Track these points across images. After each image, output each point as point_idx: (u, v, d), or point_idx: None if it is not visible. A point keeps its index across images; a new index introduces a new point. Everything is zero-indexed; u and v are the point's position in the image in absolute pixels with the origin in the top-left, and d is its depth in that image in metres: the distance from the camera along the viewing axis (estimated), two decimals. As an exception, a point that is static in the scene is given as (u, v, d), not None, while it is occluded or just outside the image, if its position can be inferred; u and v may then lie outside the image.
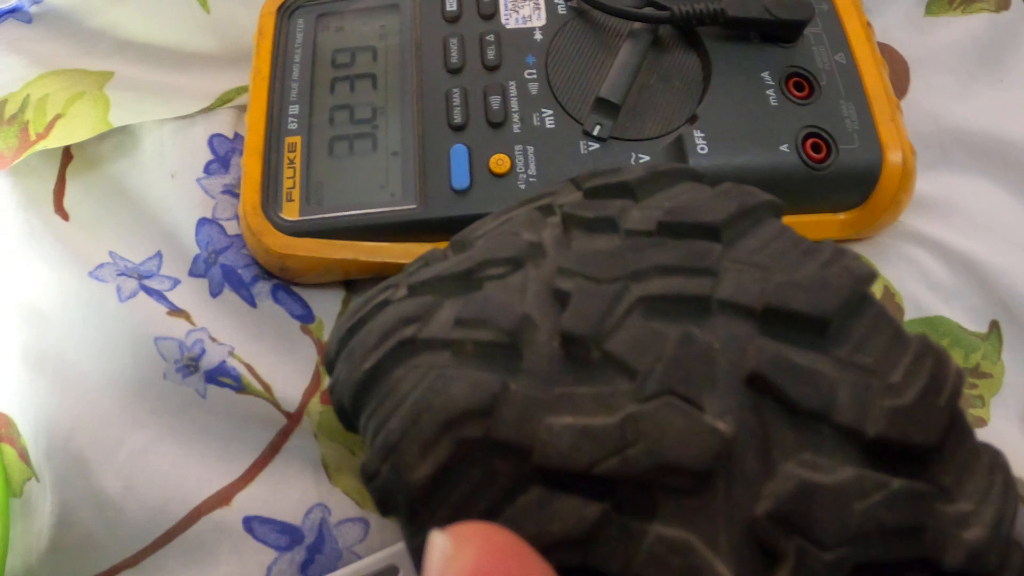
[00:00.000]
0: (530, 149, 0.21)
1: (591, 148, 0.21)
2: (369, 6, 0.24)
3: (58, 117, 0.24)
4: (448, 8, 0.23)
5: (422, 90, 0.22)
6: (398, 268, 0.21)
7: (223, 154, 0.24)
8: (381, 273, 0.22)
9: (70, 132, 0.23)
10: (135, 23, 0.25)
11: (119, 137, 0.25)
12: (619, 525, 0.11)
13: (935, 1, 0.27)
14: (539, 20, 0.23)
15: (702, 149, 0.21)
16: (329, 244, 0.21)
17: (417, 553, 0.11)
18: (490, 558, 0.10)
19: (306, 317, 0.22)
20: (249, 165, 0.22)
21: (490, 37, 0.23)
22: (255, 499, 0.21)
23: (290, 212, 0.21)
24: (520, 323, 0.12)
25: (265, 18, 0.24)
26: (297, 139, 0.22)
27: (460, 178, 0.21)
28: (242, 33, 0.25)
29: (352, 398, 0.13)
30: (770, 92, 0.22)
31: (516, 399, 0.11)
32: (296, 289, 0.22)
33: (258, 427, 0.22)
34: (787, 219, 0.21)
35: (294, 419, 0.21)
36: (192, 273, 0.23)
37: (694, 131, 0.21)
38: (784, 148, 0.21)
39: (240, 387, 0.21)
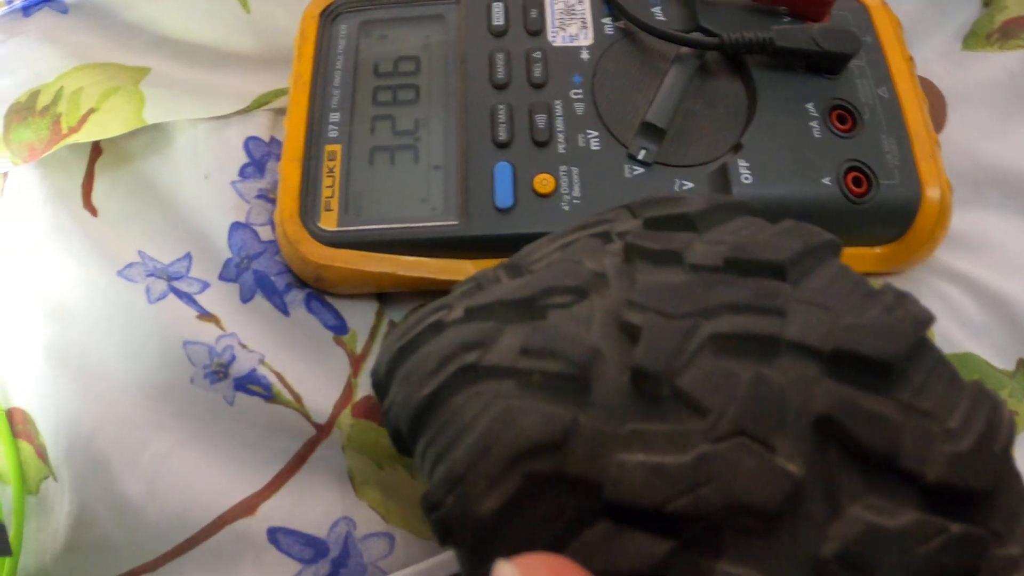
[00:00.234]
0: (575, 170, 0.21)
1: (635, 172, 0.22)
2: (414, 15, 0.24)
3: (91, 111, 0.24)
4: (495, 22, 0.24)
5: (466, 104, 0.23)
6: (435, 283, 0.22)
7: (258, 157, 0.24)
8: (417, 287, 0.22)
9: (103, 127, 0.24)
10: (173, 19, 0.25)
11: (150, 134, 0.25)
12: (686, 562, 0.11)
13: (972, 35, 0.28)
14: (586, 39, 0.24)
15: (746, 179, 0.21)
16: (368, 257, 0.21)
17: None
18: None
19: (339, 328, 0.22)
20: (287, 172, 0.22)
21: (536, 54, 0.23)
22: (280, 510, 0.21)
23: (328, 222, 0.22)
24: (590, 356, 0.12)
25: (308, 21, 0.24)
26: (337, 147, 0.23)
27: (504, 196, 0.21)
28: (281, 35, 0.25)
29: (410, 423, 0.13)
30: (814, 124, 0.22)
31: (586, 433, 0.12)
32: (329, 299, 0.23)
33: (284, 437, 0.22)
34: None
35: (323, 431, 0.22)
36: (222, 277, 0.23)
37: (739, 160, 0.22)
38: (826, 181, 0.22)
39: (270, 396, 0.22)
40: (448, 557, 0.21)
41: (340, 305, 0.23)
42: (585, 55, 0.23)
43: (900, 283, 0.25)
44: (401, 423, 0.14)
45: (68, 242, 0.23)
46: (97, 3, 0.25)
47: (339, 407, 0.22)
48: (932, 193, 0.22)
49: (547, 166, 0.22)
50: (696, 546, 0.11)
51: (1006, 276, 0.24)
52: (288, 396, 0.22)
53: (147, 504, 0.21)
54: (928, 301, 0.24)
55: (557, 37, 0.23)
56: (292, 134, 0.23)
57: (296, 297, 0.23)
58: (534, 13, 0.24)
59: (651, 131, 0.22)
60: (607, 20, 0.24)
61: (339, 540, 0.21)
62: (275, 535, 0.21)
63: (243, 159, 0.24)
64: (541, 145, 0.22)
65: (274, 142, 0.25)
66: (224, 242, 0.23)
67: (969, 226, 0.25)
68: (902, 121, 0.23)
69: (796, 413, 0.12)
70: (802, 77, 0.23)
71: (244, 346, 0.22)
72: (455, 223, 0.21)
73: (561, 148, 0.22)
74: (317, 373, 0.22)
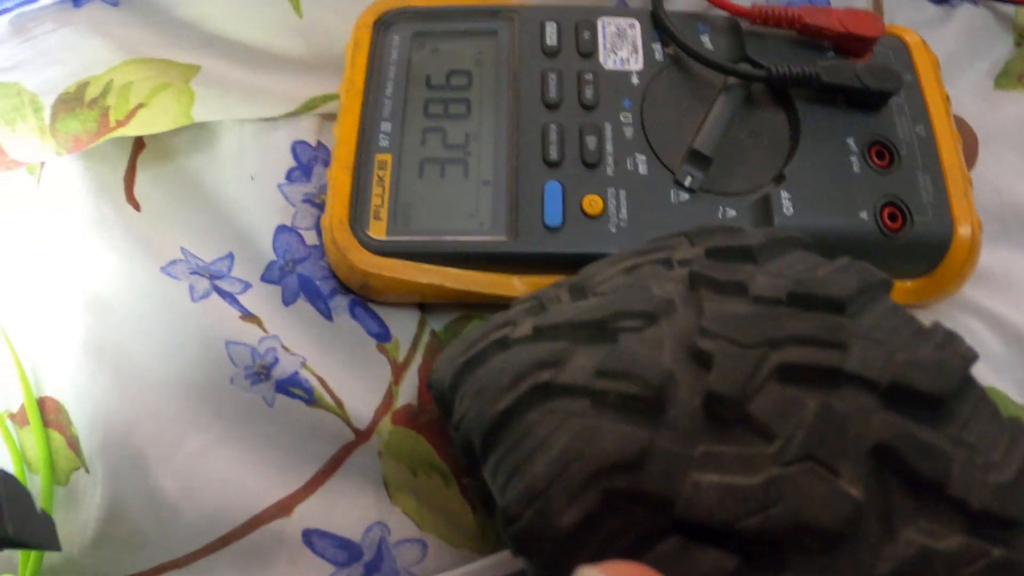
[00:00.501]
0: (622, 193, 0.23)
1: (681, 198, 0.23)
2: (467, 30, 0.25)
3: (140, 106, 0.24)
4: (548, 41, 0.25)
5: (518, 121, 0.24)
6: (480, 296, 0.23)
7: (305, 162, 0.25)
8: (460, 300, 0.23)
9: (151, 123, 0.24)
10: (225, 18, 0.26)
11: (193, 131, 0.26)
12: None
13: (1004, 75, 0.30)
14: (636, 64, 0.25)
15: (788, 210, 0.23)
16: (416, 267, 0.22)
17: None
18: None
19: (383, 336, 0.23)
20: (338, 178, 0.23)
21: (588, 76, 0.24)
22: (316, 512, 0.22)
23: (377, 231, 0.23)
24: (666, 379, 0.13)
25: (361, 30, 0.25)
26: (388, 156, 0.23)
27: (553, 215, 0.22)
28: (332, 41, 0.26)
29: (483, 437, 0.14)
30: (853, 158, 0.24)
31: (661, 453, 0.13)
32: (372, 306, 0.24)
33: (321, 441, 0.23)
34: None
35: (362, 436, 0.23)
36: (265, 279, 0.24)
37: (781, 191, 0.23)
38: (863, 215, 0.23)
39: (311, 400, 0.23)
40: (479, 567, 0.22)
41: (383, 313, 0.24)
42: (635, 79, 0.24)
43: (925, 317, 0.26)
44: (474, 436, 0.15)
45: (111, 235, 0.24)
46: (149, -1, 0.26)
47: (380, 414, 0.23)
48: (964, 231, 0.24)
49: (596, 187, 0.23)
50: (760, 562, 0.12)
51: (1030, 314, 0.26)
52: (329, 401, 0.23)
53: (182, 501, 0.22)
54: (953, 335, 0.26)
55: (608, 60, 0.25)
56: (344, 141, 0.23)
57: (340, 303, 0.24)
58: (586, 35, 0.25)
59: (698, 159, 0.23)
60: (657, 46, 0.25)
61: (373, 544, 0.22)
62: (310, 537, 0.22)
63: (290, 162, 0.25)
64: (590, 166, 0.23)
65: (321, 147, 0.26)
66: (268, 244, 0.24)
67: (995, 263, 0.26)
68: (937, 159, 0.24)
69: (856, 440, 0.13)
70: (843, 112, 0.24)
71: (286, 349, 0.23)
72: (503, 239, 0.22)
73: (610, 170, 0.23)
74: (359, 379, 0.23)
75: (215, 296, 0.23)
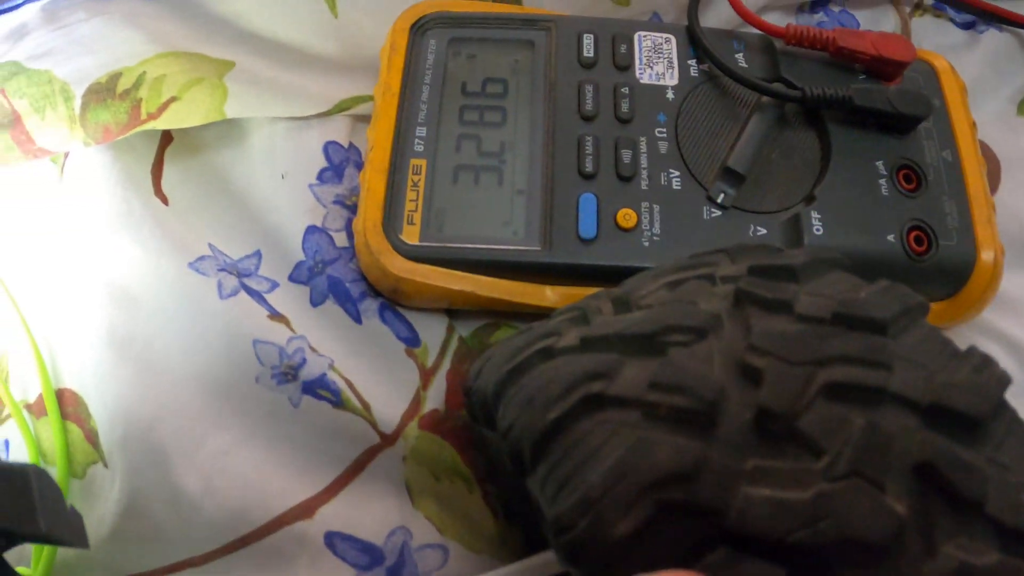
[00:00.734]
0: (656, 208, 0.23)
1: (713, 214, 0.24)
2: (503, 38, 0.26)
3: (173, 100, 0.25)
4: (585, 53, 0.25)
5: (554, 132, 0.24)
6: (511, 305, 0.23)
7: (337, 163, 0.26)
8: (491, 307, 0.23)
9: (183, 116, 0.25)
10: (260, 16, 0.26)
11: (223, 127, 0.26)
12: None
13: (1027, 101, 0.31)
14: (671, 79, 0.25)
15: (817, 230, 0.24)
16: (448, 274, 0.23)
17: None
18: None
19: (412, 340, 0.24)
20: (373, 182, 0.24)
21: (624, 89, 0.25)
22: (338, 515, 0.22)
23: (410, 236, 0.23)
24: (718, 394, 0.14)
25: (398, 33, 0.26)
26: (422, 162, 0.24)
27: (587, 227, 0.23)
28: (366, 42, 0.27)
29: (533, 445, 0.15)
30: (882, 181, 0.25)
31: (714, 466, 0.13)
32: (402, 311, 0.24)
33: (345, 443, 0.23)
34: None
35: (388, 440, 0.23)
36: (293, 278, 0.25)
37: (811, 212, 0.24)
38: (890, 238, 0.24)
39: (338, 402, 0.23)
40: (500, 575, 0.23)
41: (412, 317, 0.24)
42: (670, 95, 0.25)
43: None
44: (524, 445, 0.15)
45: (138, 229, 0.24)
46: (184, -8, 0.26)
47: (407, 418, 0.23)
48: (986, 256, 0.25)
49: (630, 201, 0.23)
50: (806, 574, 0.13)
51: (1046, 339, 0.27)
52: (357, 403, 0.23)
53: (203, 499, 0.22)
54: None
55: (644, 74, 0.25)
56: (379, 145, 0.24)
57: (370, 306, 0.24)
58: (623, 48, 0.26)
59: (732, 176, 0.24)
60: (692, 62, 0.26)
61: (395, 549, 0.23)
62: (332, 539, 0.23)
63: (322, 163, 0.25)
64: (625, 180, 0.24)
65: (352, 148, 0.26)
66: (298, 244, 0.25)
67: (1015, 288, 0.27)
68: (963, 184, 0.25)
69: (899, 458, 0.14)
70: (873, 135, 0.25)
71: (314, 350, 0.23)
72: (537, 248, 0.23)
73: (644, 184, 0.24)
74: (386, 383, 0.23)
75: (243, 294, 0.24)
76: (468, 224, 0.23)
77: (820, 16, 0.31)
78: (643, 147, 0.24)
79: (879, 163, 0.25)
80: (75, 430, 0.24)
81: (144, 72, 0.25)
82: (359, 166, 0.26)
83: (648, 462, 0.14)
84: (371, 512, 0.23)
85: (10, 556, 0.18)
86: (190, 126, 0.25)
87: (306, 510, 0.23)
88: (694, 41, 0.26)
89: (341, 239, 0.25)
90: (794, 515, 0.13)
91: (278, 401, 0.23)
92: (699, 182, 0.24)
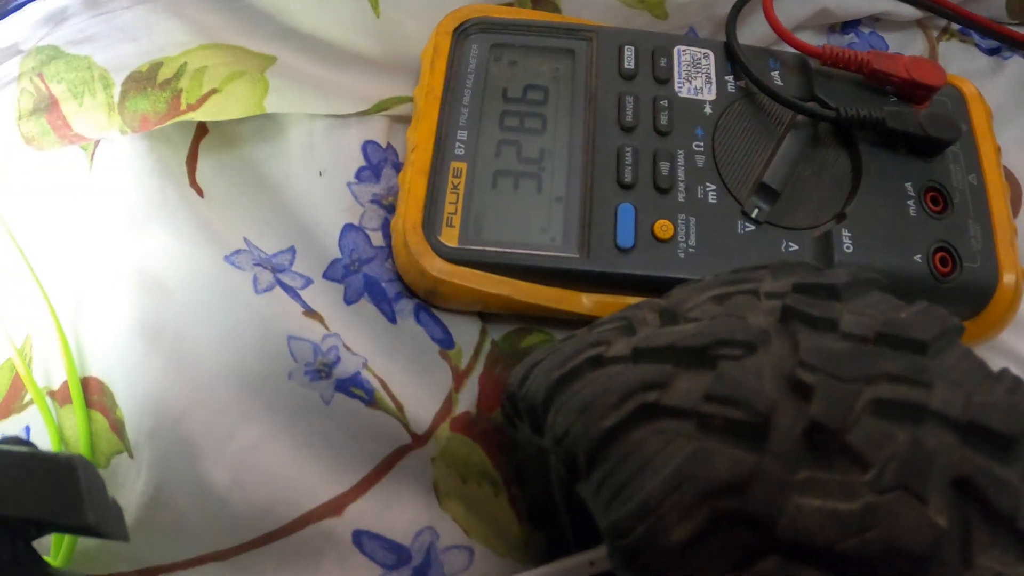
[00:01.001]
0: (692, 220, 0.24)
1: (747, 229, 0.24)
2: (545, 46, 0.26)
3: (213, 92, 0.25)
4: (625, 65, 0.26)
5: (593, 141, 0.25)
6: (545, 311, 0.24)
7: (375, 162, 0.26)
8: (525, 312, 0.24)
9: (222, 109, 0.25)
10: (303, 12, 0.26)
11: (260, 121, 0.27)
12: None
13: (1048, 127, 0.32)
14: (709, 94, 0.26)
15: (847, 248, 0.24)
16: (486, 277, 0.23)
17: None
18: None
19: (446, 342, 0.24)
20: (414, 183, 0.24)
21: (663, 102, 0.26)
22: (367, 513, 0.23)
23: (449, 238, 0.24)
24: (771, 408, 0.15)
25: (441, 37, 0.26)
26: (463, 165, 0.25)
27: (625, 237, 0.24)
28: (408, 44, 0.27)
29: (589, 452, 0.16)
30: (910, 203, 0.26)
31: (766, 477, 0.14)
32: (436, 312, 0.25)
33: (375, 442, 0.23)
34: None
35: (419, 441, 0.24)
36: (327, 276, 0.25)
37: (842, 229, 0.25)
38: (917, 258, 0.25)
39: (371, 401, 0.24)
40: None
41: (447, 319, 0.25)
42: (708, 109, 0.26)
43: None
44: (579, 452, 0.16)
45: (174, 218, 0.24)
46: (226, -16, 0.27)
47: (439, 419, 0.24)
48: (1008, 279, 0.26)
49: (667, 213, 0.24)
50: None
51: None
52: (390, 403, 0.24)
53: (231, 493, 0.22)
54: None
55: (683, 88, 0.26)
56: (421, 146, 0.25)
57: (406, 306, 0.25)
58: (663, 62, 0.26)
59: (766, 192, 0.25)
60: (729, 78, 0.27)
61: (422, 549, 0.23)
62: (360, 538, 0.23)
63: (360, 162, 0.26)
64: (663, 191, 0.24)
65: (390, 148, 0.27)
66: (334, 241, 0.25)
67: (1032, 312, 0.29)
68: (987, 208, 0.26)
69: (940, 472, 0.15)
70: (903, 157, 0.26)
71: (348, 348, 0.24)
72: (575, 256, 0.24)
73: (681, 197, 0.24)
74: (419, 384, 0.24)
75: (279, 290, 0.24)
76: (506, 229, 0.24)
77: (851, 37, 0.32)
78: (681, 160, 0.25)
79: (908, 184, 0.26)
80: (100, 419, 0.24)
81: (185, 63, 0.25)
82: (396, 166, 0.26)
83: (705, 471, 0.14)
84: (399, 512, 0.23)
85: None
86: (232, 118, 0.25)
87: (335, 507, 0.23)
88: (732, 58, 0.27)
89: (377, 238, 0.25)
90: (843, 525, 0.14)
91: (310, 397, 0.23)
92: (734, 196, 0.25)
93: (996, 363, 0.28)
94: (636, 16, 0.29)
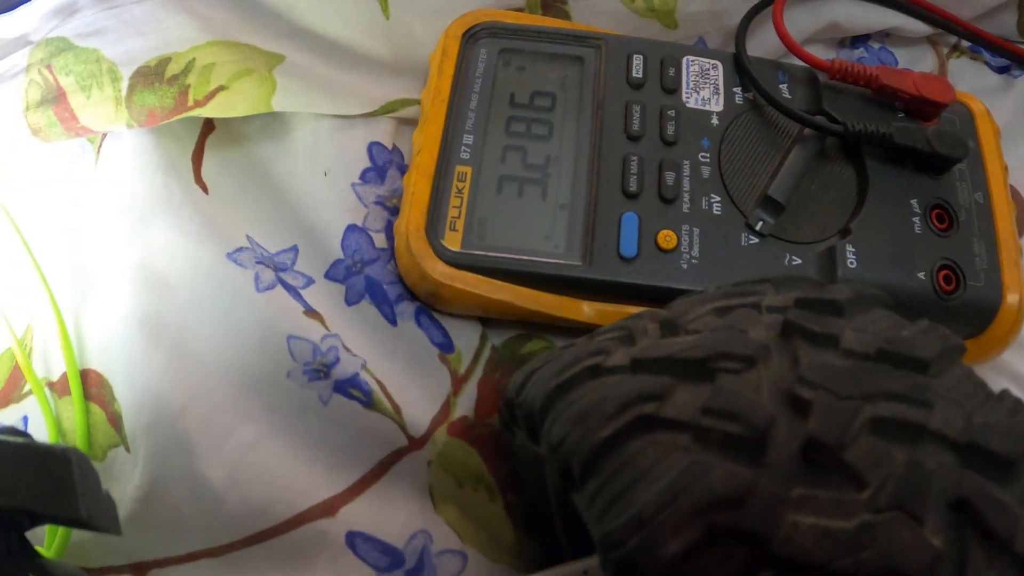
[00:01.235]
0: (695, 231, 0.24)
1: (751, 241, 0.24)
2: (553, 52, 0.27)
3: (221, 89, 0.25)
4: (633, 74, 0.26)
5: (599, 149, 0.25)
6: (546, 318, 0.24)
7: (381, 164, 0.26)
8: (526, 318, 0.24)
9: (229, 106, 0.25)
10: (312, 11, 0.27)
11: (266, 119, 0.27)
12: None
13: (1055, 146, 0.32)
14: (717, 106, 0.26)
15: (851, 263, 0.25)
16: (488, 282, 0.24)
17: None
18: None
19: (446, 346, 0.25)
20: (418, 185, 0.24)
21: (671, 112, 0.26)
22: (361, 515, 0.23)
23: (452, 242, 0.24)
24: (769, 422, 0.15)
25: (450, 40, 0.26)
26: (468, 169, 0.25)
27: (628, 246, 0.24)
28: (416, 46, 0.27)
29: (584, 462, 0.16)
30: (915, 220, 0.26)
31: (762, 493, 0.14)
32: (436, 316, 0.25)
33: (372, 444, 0.24)
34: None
35: (416, 444, 0.24)
36: (329, 276, 0.25)
37: (846, 245, 0.25)
38: (921, 275, 0.25)
39: (369, 403, 0.24)
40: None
41: (447, 323, 0.25)
42: (715, 120, 0.26)
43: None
44: (574, 461, 0.16)
45: (178, 215, 0.25)
46: (236, -19, 0.27)
47: (436, 423, 0.24)
48: (1012, 299, 0.26)
49: (671, 223, 0.24)
50: None
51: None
52: (388, 405, 0.24)
53: (226, 490, 0.22)
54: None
55: (691, 99, 0.26)
56: (425, 149, 0.25)
57: (407, 309, 0.25)
58: (671, 71, 0.27)
59: (771, 205, 0.25)
60: (737, 90, 0.27)
61: (416, 552, 0.23)
62: (353, 539, 0.23)
63: (365, 163, 0.26)
64: (667, 202, 0.25)
65: (396, 150, 0.27)
66: (337, 242, 0.25)
67: (1035, 333, 0.29)
68: (993, 227, 0.26)
69: (937, 493, 0.15)
70: (909, 173, 0.26)
71: (347, 349, 0.24)
72: (578, 263, 0.24)
73: (685, 207, 0.25)
74: (418, 387, 0.24)
75: (280, 288, 0.24)
76: (510, 234, 0.24)
77: (860, 52, 0.32)
78: (686, 170, 0.25)
79: (913, 201, 0.26)
80: (97, 412, 0.24)
81: (194, 59, 0.26)
82: (402, 168, 0.27)
83: (701, 485, 0.14)
84: (394, 514, 0.23)
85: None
86: (238, 116, 0.25)
87: (329, 508, 0.23)
88: (741, 70, 0.27)
89: (380, 240, 0.26)
90: (838, 543, 0.14)
91: (307, 398, 0.23)
92: (739, 209, 0.25)
93: (997, 383, 0.28)
94: (646, 25, 0.29)
